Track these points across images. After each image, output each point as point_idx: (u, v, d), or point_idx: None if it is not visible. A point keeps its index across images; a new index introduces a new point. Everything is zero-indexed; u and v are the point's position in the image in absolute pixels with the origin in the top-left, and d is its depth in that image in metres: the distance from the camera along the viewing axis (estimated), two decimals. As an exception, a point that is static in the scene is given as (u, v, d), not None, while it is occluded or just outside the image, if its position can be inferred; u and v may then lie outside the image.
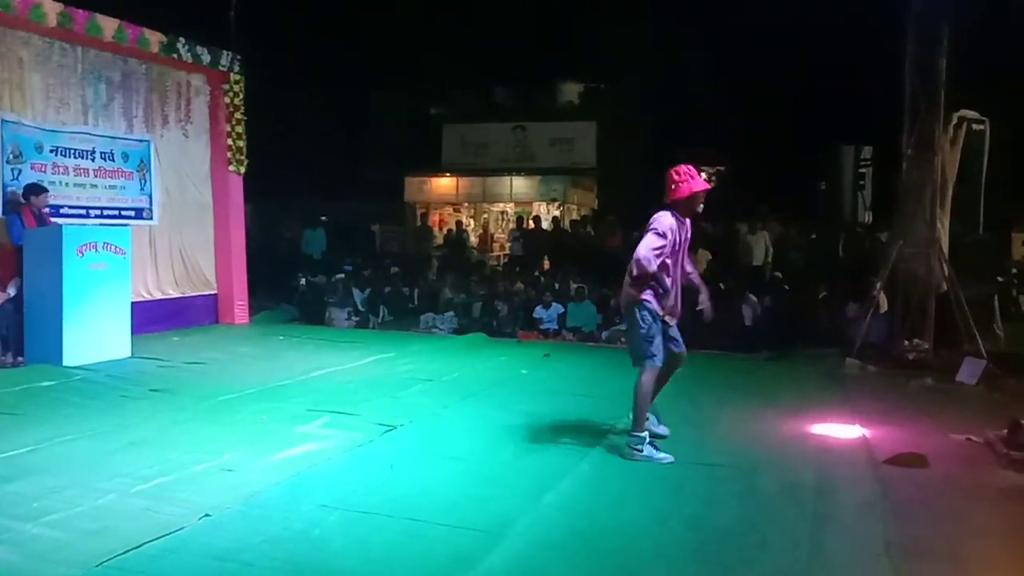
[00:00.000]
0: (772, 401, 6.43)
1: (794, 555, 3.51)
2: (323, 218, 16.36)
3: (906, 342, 8.07)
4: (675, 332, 4.97)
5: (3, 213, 7.89)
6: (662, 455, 4.73)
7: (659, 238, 4.70)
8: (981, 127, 8.89)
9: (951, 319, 7.84)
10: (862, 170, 16.05)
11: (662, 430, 5.18)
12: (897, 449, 4.95)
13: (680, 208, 4.82)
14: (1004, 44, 12.79)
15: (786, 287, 10.94)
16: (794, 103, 20.89)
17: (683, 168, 4.85)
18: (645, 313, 4.79)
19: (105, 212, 9.13)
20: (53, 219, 8.08)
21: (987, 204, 9.46)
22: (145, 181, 9.67)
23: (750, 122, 21.54)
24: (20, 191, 7.89)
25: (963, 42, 8.07)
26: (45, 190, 7.90)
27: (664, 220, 4.76)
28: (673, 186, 4.82)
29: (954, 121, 8.29)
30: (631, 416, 4.86)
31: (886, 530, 3.78)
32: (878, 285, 8.15)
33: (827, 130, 17.87)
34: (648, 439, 4.79)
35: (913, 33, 7.96)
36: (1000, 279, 10.64)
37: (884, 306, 8.49)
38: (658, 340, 4.80)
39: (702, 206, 4.93)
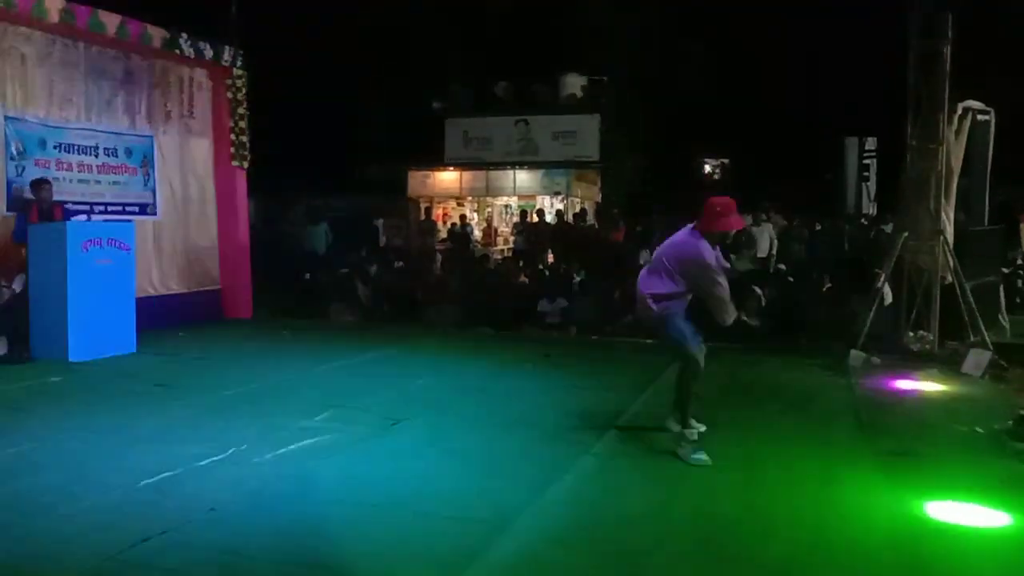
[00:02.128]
0: (776, 393, 6.42)
1: (797, 545, 3.51)
2: (326, 213, 16.35)
3: (911, 334, 8.05)
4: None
5: (8, 210, 7.91)
6: (699, 456, 4.67)
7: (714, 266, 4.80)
8: (986, 117, 8.85)
9: (956, 310, 7.81)
10: (866, 162, 16.06)
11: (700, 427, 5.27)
12: (902, 440, 4.93)
13: (709, 237, 4.83)
14: (1009, 33, 12.74)
15: (790, 279, 10.92)
16: (798, 95, 20.82)
17: (726, 201, 4.84)
18: (672, 316, 4.88)
19: (109, 208, 9.15)
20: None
21: (992, 195, 9.43)
22: (149, 177, 9.68)
23: (754, 114, 21.48)
24: (27, 188, 7.90)
25: (968, 32, 8.02)
26: (48, 182, 7.91)
27: (707, 249, 4.77)
28: (712, 218, 4.81)
29: (959, 112, 8.23)
30: (676, 413, 4.96)
31: (890, 519, 3.77)
32: (883, 277, 8.12)
33: (831, 122, 17.84)
34: (693, 437, 4.82)
35: (917, 23, 7.91)
36: (1006, 270, 10.60)
37: (889, 298, 8.46)
38: (689, 328, 4.89)
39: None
